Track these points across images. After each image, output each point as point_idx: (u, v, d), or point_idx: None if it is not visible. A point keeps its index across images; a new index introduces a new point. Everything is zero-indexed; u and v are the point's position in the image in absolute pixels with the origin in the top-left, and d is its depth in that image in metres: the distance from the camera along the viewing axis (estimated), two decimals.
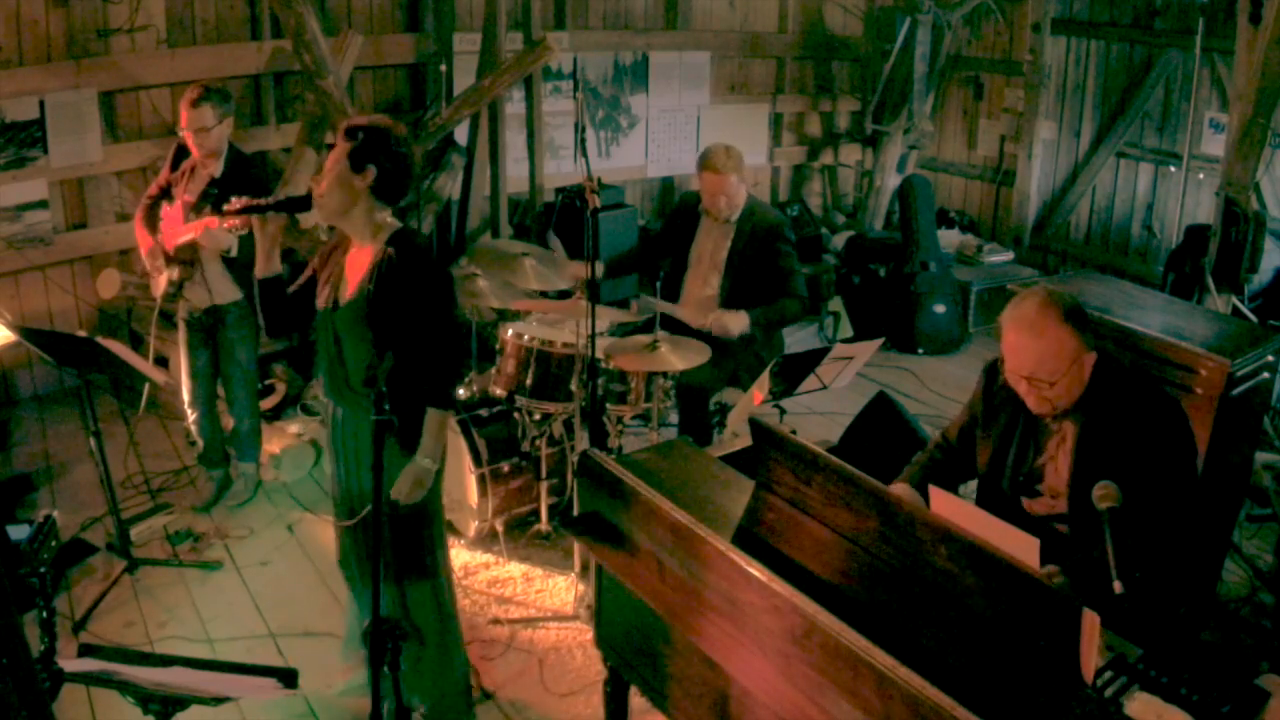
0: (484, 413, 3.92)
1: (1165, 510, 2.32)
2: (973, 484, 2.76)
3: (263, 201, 2.62)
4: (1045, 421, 2.48)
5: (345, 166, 2.57)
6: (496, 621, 3.54)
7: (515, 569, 3.85)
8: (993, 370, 2.61)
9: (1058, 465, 2.47)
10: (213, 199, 3.65)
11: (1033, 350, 2.33)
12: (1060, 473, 2.46)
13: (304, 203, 2.64)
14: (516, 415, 3.92)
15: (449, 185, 5.91)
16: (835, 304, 6.60)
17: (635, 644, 2.55)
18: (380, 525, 2.46)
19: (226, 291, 3.89)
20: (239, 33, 5.40)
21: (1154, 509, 2.29)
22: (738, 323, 4.05)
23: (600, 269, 4.25)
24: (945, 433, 2.79)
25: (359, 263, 2.65)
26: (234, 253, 3.72)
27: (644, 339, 3.64)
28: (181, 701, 2.12)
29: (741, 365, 4.15)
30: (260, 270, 2.72)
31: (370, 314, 2.58)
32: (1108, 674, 1.85)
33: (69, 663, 2.11)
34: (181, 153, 3.86)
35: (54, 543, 3.03)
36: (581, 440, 3.74)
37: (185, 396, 4.12)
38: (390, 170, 2.60)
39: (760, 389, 3.55)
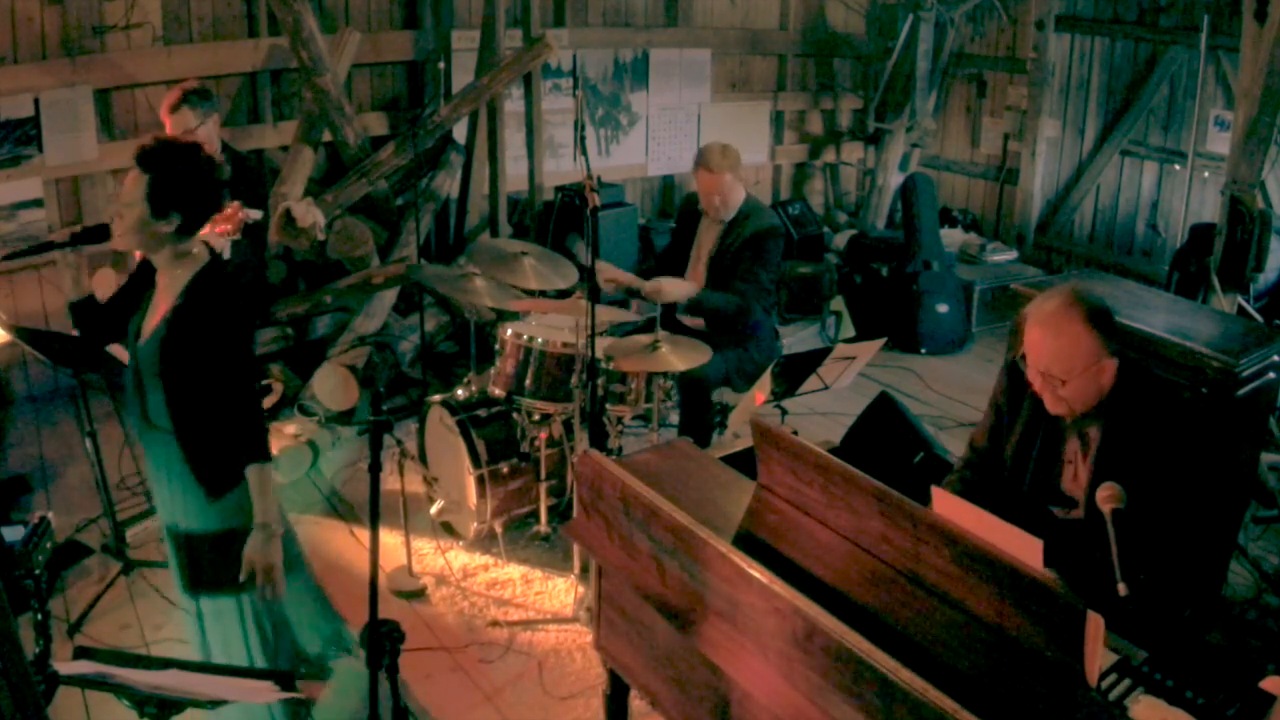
0: (483, 413, 3.89)
1: (1178, 516, 2.29)
2: None
3: (56, 239, 2.53)
4: (1068, 424, 2.45)
5: (145, 211, 2.35)
6: (495, 624, 3.51)
7: (514, 570, 3.82)
8: (1015, 366, 2.57)
9: (1077, 470, 2.44)
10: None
11: (1049, 347, 2.30)
12: (1079, 478, 2.43)
13: (102, 233, 2.55)
14: (516, 415, 3.89)
15: (447, 184, 5.89)
16: (837, 303, 6.58)
17: (636, 646, 2.52)
18: (377, 528, 2.44)
19: None
20: (235, 30, 5.38)
21: (1166, 515, 2.26)
22: (676, 289, 4.03)
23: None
24: (972, 442, 2.72)
25: (163, 295, 2.49)
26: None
27: (644, 339, 3.62)
28: (178, 704, 2.10)
29: (733, 366, 4.12)
30: (69, 295, 2.61)
31: (162, 360, 2.42)
32: (1112, 676, 1.85)
33: (64, 665, 2.09)
34: None
35: (49, 544, 3.02)
36: (581, 441, 3.72)
37: None
38: (196, 208, 2.42)
39: (761, 389, 3.53)
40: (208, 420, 2.46)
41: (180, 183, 2.37)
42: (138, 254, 2.59)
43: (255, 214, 3.57)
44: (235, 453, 2.46)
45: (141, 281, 2.60)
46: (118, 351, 3.45)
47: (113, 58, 4.96)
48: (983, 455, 2.67)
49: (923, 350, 6.16)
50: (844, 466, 2.01)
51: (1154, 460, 2.28)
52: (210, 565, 2.60)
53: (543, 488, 3.89)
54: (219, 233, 3.14)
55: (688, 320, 4.03)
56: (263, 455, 2.47)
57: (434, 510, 3.99)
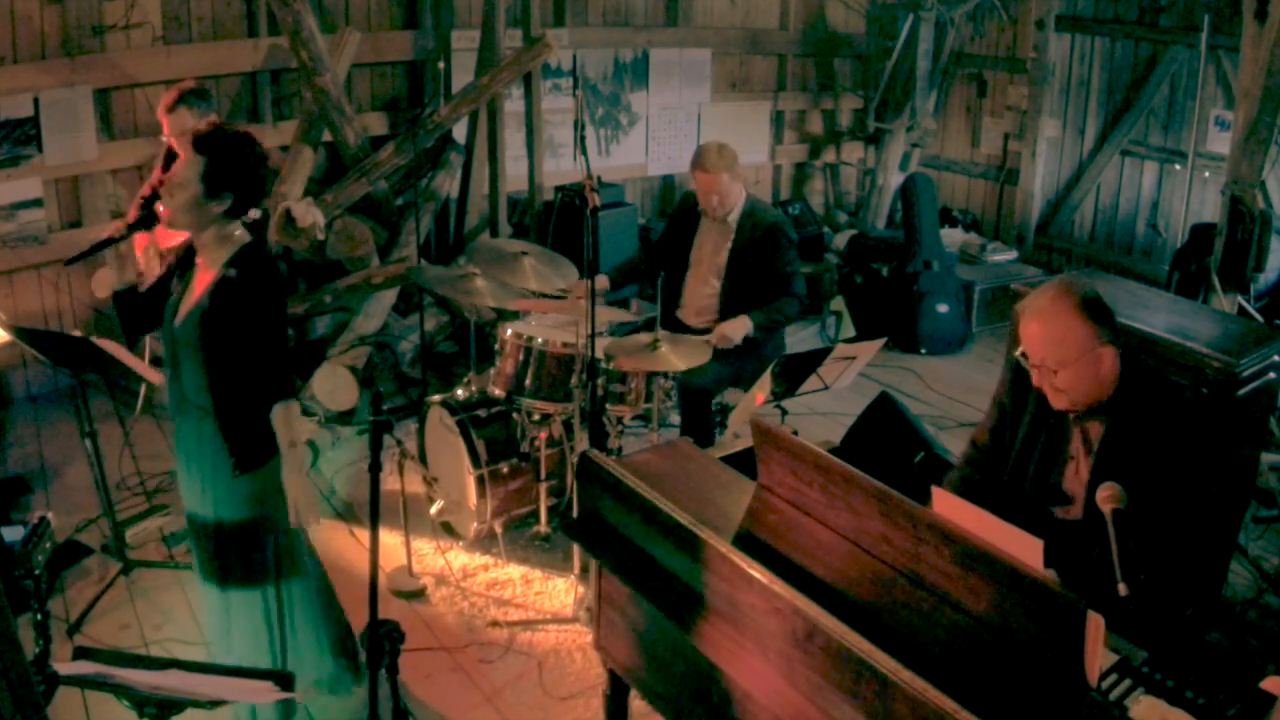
0: (482, 413, 3.89)
1: (1178, 516, 2.28)
2: None
3: (114, 234, 2.64)
4: (1072, 421, 2.45)
5: (199, 191, 2.48)
6: (495, 624, 3.51)
7: (514, 571, 3.82)
8: (1020, 363, 2.57)
9: (1077, 467, 2.44)
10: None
11: (1040, 336, 2.31)
12: (1080, 475, 2.43)
13: (154, 219, 2.63)
14: (515, 416, 3.89)
15: (447, 184, 5.89)
16: (837, 303, 6.57)
17: (636, 646, 2.52)
18: (377, 528, 2.44)
19: None
20: (235, 29, 5.38)
21: (1167, 514, 2.25)
22: (738, 329, 4.02)
23: (605, 282, 4.25)
24: (974, 440, 2.72)
25: (203, 274, 2.59)
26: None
27: (644, 338, 3.61)
28: (177, 705, 2.09)
29: (744, 366, 4.12)
30: (114, 284, 2.71)
31: (204, 333, 2.51)
32: (1112, 677, 1.84)
33: (64, 666, 2.08)
34: (174, 153, 3.84)
35: (49, 544, 3.01)
36: (581, 441, 3.71)
37: None
38: (248, 191, 2.55)
39: (762, 389, 3.52)
40: (242, 392, 2.54)
41: (235, 165, 2.51)
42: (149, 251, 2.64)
43: (254, 213, 3.56)
44: (266, 427, 2.55)
45: (178, 271, 2.69)
46: (117, 352, 3.45)
47: (112, 57, 4.96)
48: (984, 452, 2.67)
49: (923, 350, 6.16)
50: (844, 466, 2.00)
51: (1155, 459, 2.28)
52: (236, 557, 2.67)
53: (543, 488, 3.88)
54: None
55: (718, 342, 4.00)
56: (289, 394, 2.58)
57: (434, 510, 3.98)
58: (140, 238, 3.85)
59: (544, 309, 4.06)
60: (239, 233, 2.59)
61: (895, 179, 7.44)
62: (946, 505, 2.15)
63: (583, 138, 3.41)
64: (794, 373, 3.52)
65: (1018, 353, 2.44)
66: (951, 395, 5.53)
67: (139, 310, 2.74)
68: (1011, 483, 2.56)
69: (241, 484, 2.59)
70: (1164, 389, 2.38)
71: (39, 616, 2.90)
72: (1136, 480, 2.15)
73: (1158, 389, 2.37)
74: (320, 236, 4.95)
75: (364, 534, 4.00)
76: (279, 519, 2.66)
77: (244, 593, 2.70)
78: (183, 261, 2.69)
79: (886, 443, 3.90)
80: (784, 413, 3.64)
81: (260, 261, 2.56)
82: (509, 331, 3.91)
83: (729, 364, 4.07)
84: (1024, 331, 2.36)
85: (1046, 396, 2.40)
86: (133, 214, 2.74)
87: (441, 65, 5.76)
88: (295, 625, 2.82)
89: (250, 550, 2.67)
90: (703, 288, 4.29)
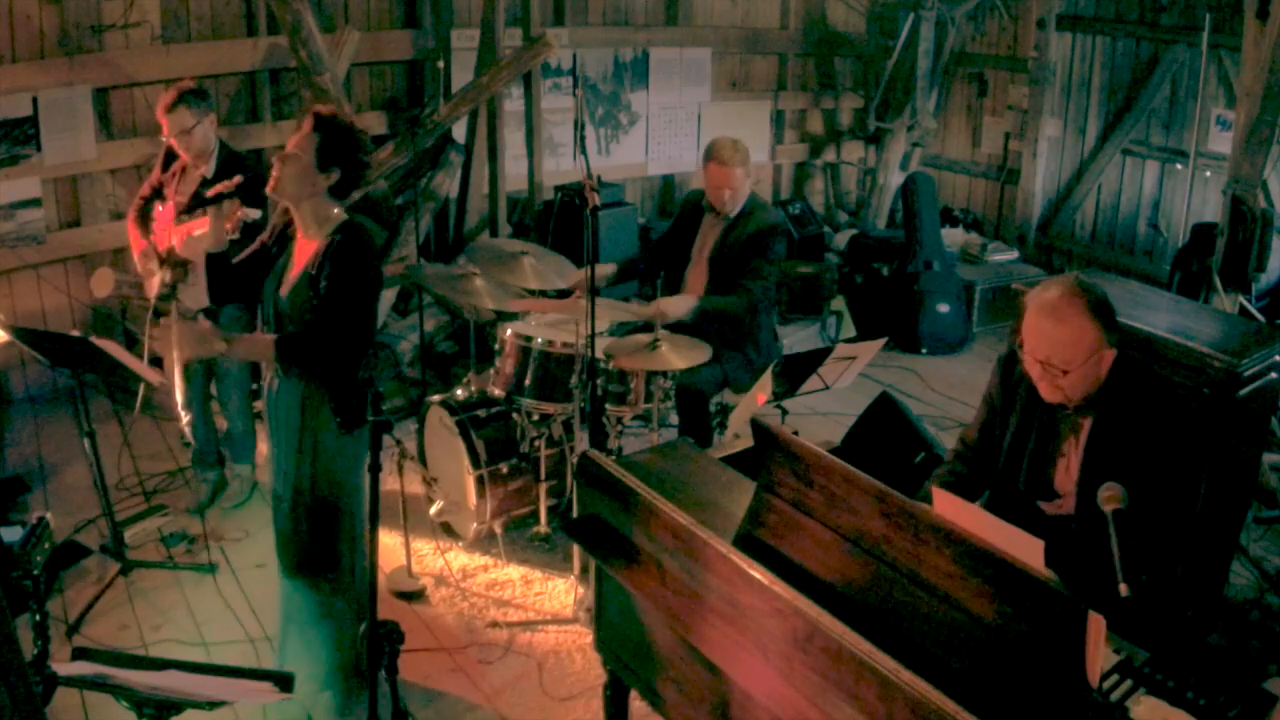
0: (482, 413, 3.88)
1: (1168, 512, 2.28)
2: None
3: (223, 189, 2.81)
4: (1061, 416, 2.44)
5: (311, 161, 2.69)
6: (495, 625, 3.51)
7: (514, 571, 3.81)
8: (1009, 361, 2.57)
9: (1068, 463, 2.44)
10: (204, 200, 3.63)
11: (1051, 336, 2.30)
12: (1070, 471, 2.43)
13: (260, 182, 2.78)
14: (515, 416, 3.88)
15: (447, 183, 5.88)
16: (838, 303, 6.57)
17: (636, 647, 2.52)
18: (377, 526, 2.45)
19: None
20: (234, 29, 5.37)
21: (1158, 511, 2.25)
22: (678, 306, 3.92)
23: (612, 268, 4.22)
24: (964, 437, 2.72)
25: (304, 251, 2.77)
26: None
27: (644, 338, 3.61)
28: (176, 706, 2.09)
29: (731, 369, 4.08)
30: (209, 246, 2.87)
31: (314, 296, 2.69)
32: (1114, 677, 1.84)
33: (63, 666, 2.09)
34: (173, 153, 3.84)
35: (47, 545, 3.02)
36: (581, 441, 3.71)
37: (179, 398, 4.08)
38: (353, 175, 2.78)
39: (763, 390, 3.52)
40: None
41: (344, 145, 2.73)
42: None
43: (254, 213, 3.57)
44: (363, 390, 2.67)
45: (270, 252, 2.88)
46: (116, 352, 3.45)
47: (111, 57, 4.95)
48: (973, 449, 2.68)
49: (923, 350, 6.15)
50: (845, 466, 2.00)
51: (1143, 455, 2.28)
52: (316, 540, 2.80)
53: (542, 488, 3.88)
54: (227, 227, 3.14)
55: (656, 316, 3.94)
56: (284, 358, 2.72)
57: (433, 511, 3.98)
58: (137, 242, 3.86)
59: (543, 309, 4.05)
60: (337, 211, 2.78)
61: (896, 178, 7.44)
62: (947, 505, 2.15)
63: (582, 137, 3.41)
64: (795, 373, 3.52)
65: (1016, 342, 2.44)
66: (952, 395, 5.52)
67: (227, 278, 2.88)
68: (1004, 479, 2.55)
69: (334, 455, 2.75)
70: (1152, 384, 2.38)
71: (38, 617, 2.90)
72: (1125, 475, 2.15)
73: (1146, 384, 2.37)
74: None
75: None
76: (351, 509, 2.81)
77: (314, 580, 2.81)
78: (276, 236, 2.88)
79: (887, 443, 3.90)
80: (784, 413, 3.64)
81: (361, 233, 2.77)
82: (509, 331, 3.91)
83: (726, 365, 4.05)
84: (1030, 325, 2.35)
85: (1037, 388, 2.39)
86: (224, 185, 2.85)
87: (441, 65, 5.76)
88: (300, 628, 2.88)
89: (328, 535, 2.79)
90: (699, 282, 4.27)
